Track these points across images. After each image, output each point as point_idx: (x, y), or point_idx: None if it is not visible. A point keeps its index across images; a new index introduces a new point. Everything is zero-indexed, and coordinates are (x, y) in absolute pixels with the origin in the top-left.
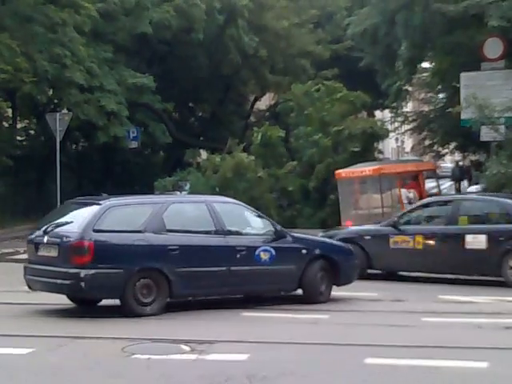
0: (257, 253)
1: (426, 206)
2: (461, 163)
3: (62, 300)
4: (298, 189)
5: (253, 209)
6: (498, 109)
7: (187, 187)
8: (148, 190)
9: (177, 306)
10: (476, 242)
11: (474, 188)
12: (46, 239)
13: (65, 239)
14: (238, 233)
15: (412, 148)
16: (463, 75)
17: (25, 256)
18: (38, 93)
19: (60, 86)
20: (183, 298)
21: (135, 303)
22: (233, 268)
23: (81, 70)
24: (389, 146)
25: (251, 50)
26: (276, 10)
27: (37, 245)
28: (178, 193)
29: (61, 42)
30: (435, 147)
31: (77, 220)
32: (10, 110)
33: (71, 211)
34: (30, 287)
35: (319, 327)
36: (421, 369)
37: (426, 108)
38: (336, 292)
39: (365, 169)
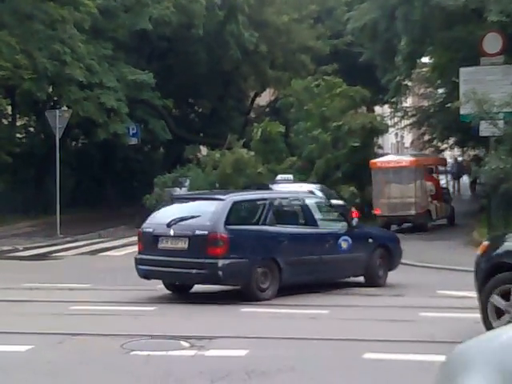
0: (339, 242)
1: None
2: (460, 159)
3: (60, 297)
4: None
5: (329, 202)
6: (497, 104)
7: (187, 183)
8: (148, 186)
9: (176, 301)
10: None
11: (279, 177)
12: (172, 232)
13: (197, 232)
14: (324, 224)
15: (411, 143)
16: (462, 70)
17: (24, 254)
18: (38, 90)
19: (60, 82)
20: (289, 284)
21: (257, 289)
22: (323, 256)
23: (80, 67)
24: (388, 141)
25: (251, 45)
26: (276, 5)
27: (157, 237)
28: (178, 189)
29: (60, 38)
30: (435, 142)
31: (204, 214)
32: (9, 108)
33: (187, 206)
34: (145, 277)
35: (318, 322)
36: (419, 364)
37: (425, 103)
38: (334, 287)
39: (402, 159)
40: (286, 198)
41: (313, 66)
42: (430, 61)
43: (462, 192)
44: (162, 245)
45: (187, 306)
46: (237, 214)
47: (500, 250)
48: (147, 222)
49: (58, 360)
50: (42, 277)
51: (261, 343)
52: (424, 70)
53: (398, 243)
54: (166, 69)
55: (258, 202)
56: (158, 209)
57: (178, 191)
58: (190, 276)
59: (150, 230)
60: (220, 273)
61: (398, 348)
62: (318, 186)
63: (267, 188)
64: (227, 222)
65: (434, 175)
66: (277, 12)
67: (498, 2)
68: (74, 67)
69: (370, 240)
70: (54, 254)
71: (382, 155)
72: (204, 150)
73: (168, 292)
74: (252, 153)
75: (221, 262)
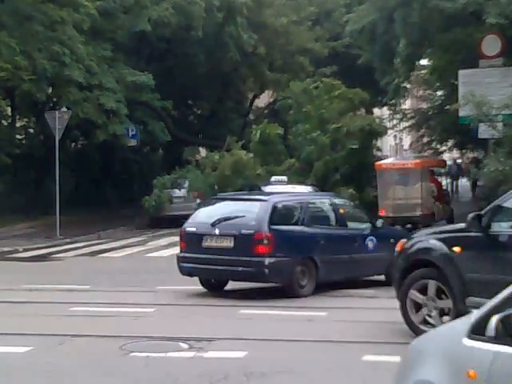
0: (366, 242)
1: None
2: (459, 161)
3: (60, 298)
4: None
5: (353, 203)
6: (496, 106)
7: (186, 185)
8: (147, 187)
9: (175, 303)
10: None
11: (274, 178)
12: (217, 231)
13: (244, 231)
14: (353, 225)
15: (410, 145)
16: (461, 72)
17: (24, 255)
18: (37, 91)
19: (59, 84)
20: (324, 282)
21: (297, 286)
22: (353, 255)
23: (80, 68)
24: (387, 143)
25: (250, 47)
26: (275, 7)
27: (201, 236)
28: (177, 191)
29: (60, 40)
30: (433, 144)
31: (249, 214)
32: (8, 109)
33: (229, 206)
34: (189, 275)
35: (317, 324)
36: None
37: (424, 105)
38: (333, 289)
39: (407, 162)
40: (320, 200)
41: (311, 67)
42: (429, 63)
43: (460, 194)
44: (207, 243)
45: (186, 308)
46: (278, 214)
47: (415, 248)
48: (189, 221)
49: (58, 361)
50: (42, 278)
51: (259, 345)
52: (423, 72)
53: None
54: (165, 70)
55: (296, 204)
56: (200, 211)
57: (176, 193)
58: (236, 273)
59: (194, 229)
60: (266, 270)
61: (397, 350)
62: (310, 188)
63: (259, 189)
64: (271, 222)
65: (438, 177)
66: (275, 14)
67: (497, 5)
68: (74, 68)
69: (392, 240)
70: (53, 256)
71: (381, 157)
72: (203, 152)
73: (167, 294)
74: (251, 154)
75: (267, 261)
